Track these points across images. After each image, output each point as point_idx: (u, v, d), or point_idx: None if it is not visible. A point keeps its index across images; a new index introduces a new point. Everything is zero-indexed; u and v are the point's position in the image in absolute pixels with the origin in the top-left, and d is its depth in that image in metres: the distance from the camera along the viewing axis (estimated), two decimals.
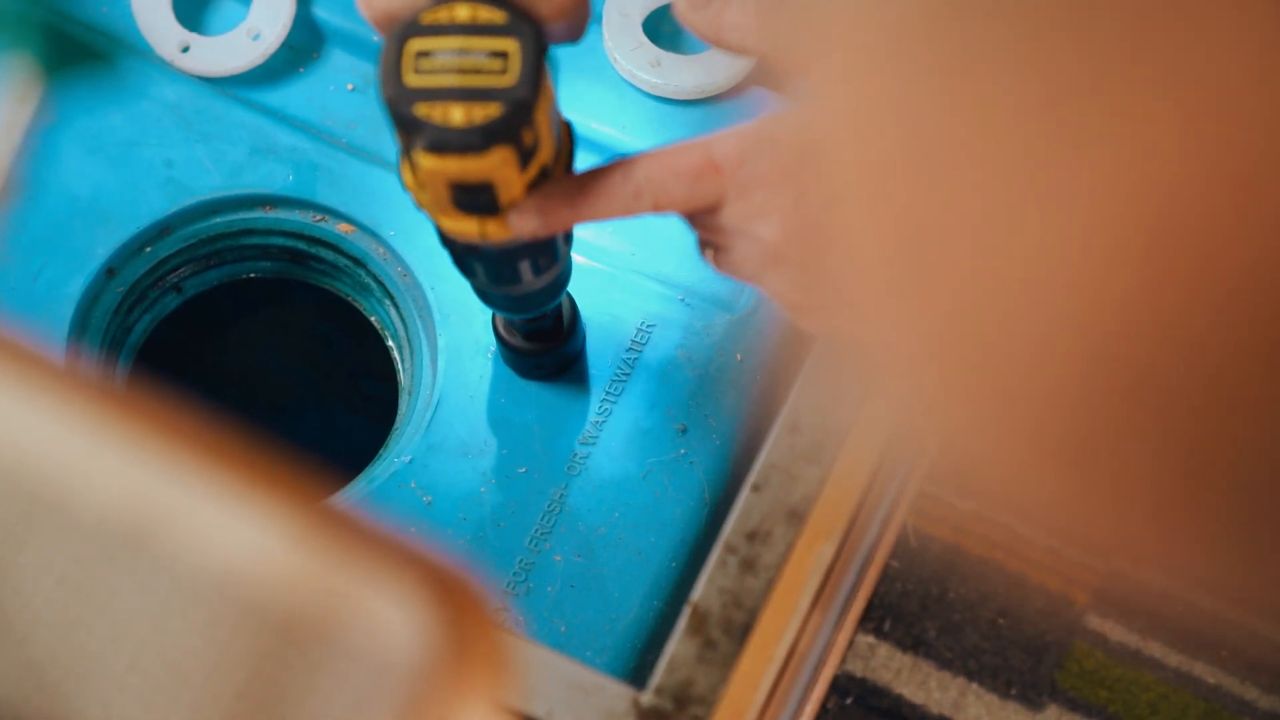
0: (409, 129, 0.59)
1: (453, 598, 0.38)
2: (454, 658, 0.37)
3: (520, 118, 0.59)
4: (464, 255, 0.69)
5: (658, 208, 0.67)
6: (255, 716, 0.36)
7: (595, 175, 0.66)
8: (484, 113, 0.58)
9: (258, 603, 0.37)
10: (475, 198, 0.62)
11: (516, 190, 0.62)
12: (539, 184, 0.63)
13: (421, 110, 0.58)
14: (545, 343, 0.83)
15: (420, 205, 0.64)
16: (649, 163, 0.66)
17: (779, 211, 0.66)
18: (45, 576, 0.37)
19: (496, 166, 0.60)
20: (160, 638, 0.37)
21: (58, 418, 0.37)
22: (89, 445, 0.37)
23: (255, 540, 0.37)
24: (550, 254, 0.70)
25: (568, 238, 0.71)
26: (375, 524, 0.38)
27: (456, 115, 0.58)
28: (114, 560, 0.37)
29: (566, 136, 0.66)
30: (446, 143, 0.59)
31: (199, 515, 0.37)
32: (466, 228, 0.64)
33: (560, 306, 0.82)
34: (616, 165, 0.66)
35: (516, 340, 0.82)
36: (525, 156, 0.61)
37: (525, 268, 0.69)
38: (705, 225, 0.70)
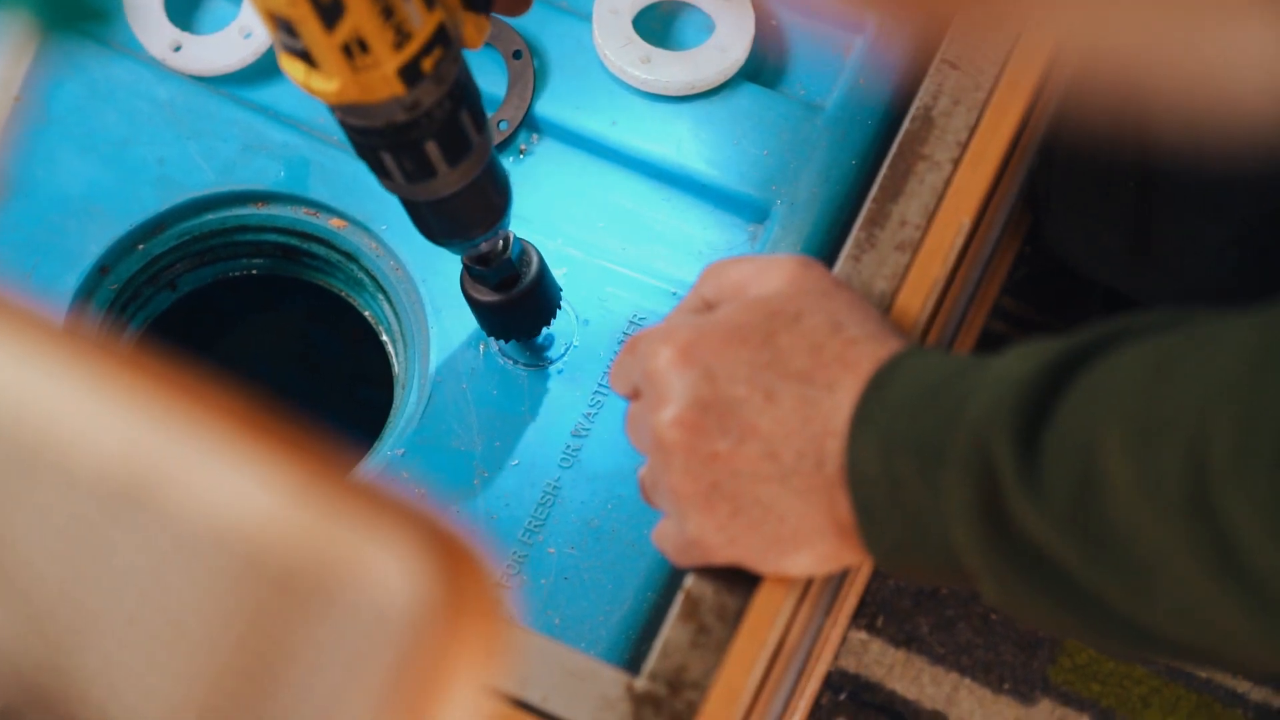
0: None
1: (450, 553, 0.38)
2: (451, 612, 0.38)
3: None
4: (364, 142, 0.69)
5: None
6: (253, 668, 0.37)
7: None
8: None
9: (256, 556, 0.37)
10: (290, 38, 0.63)
11: (324, 47, 0.63)
12: (357, 57, 0.63)
13: None
14: (507, 291, 0.81)
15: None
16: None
17: (672, 403, 0.69)
18: (45, 531, 0.37)
19: (287, 3, 0.61)
20: (160, 591, 0.37)
21: (56, 373, 0.37)
22: (88, 400, 0.37)
23: (254, 494, 0.37)
24: (456, 134, 0.69)
25: (477, 123, 0.70)
26: (373, 481, 0.39)
27: None
28: (114, 515, 0.37)
29: (435, 38, 0.65)
30: None
31: (198, 470, 0.37)
32: (293, 70, 0.65)
33: (519, 250, 0.80)
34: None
35: (477, 291, 0.81)
36: (324, 12, 0.61)
37: (433, 151, 0.69)
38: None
